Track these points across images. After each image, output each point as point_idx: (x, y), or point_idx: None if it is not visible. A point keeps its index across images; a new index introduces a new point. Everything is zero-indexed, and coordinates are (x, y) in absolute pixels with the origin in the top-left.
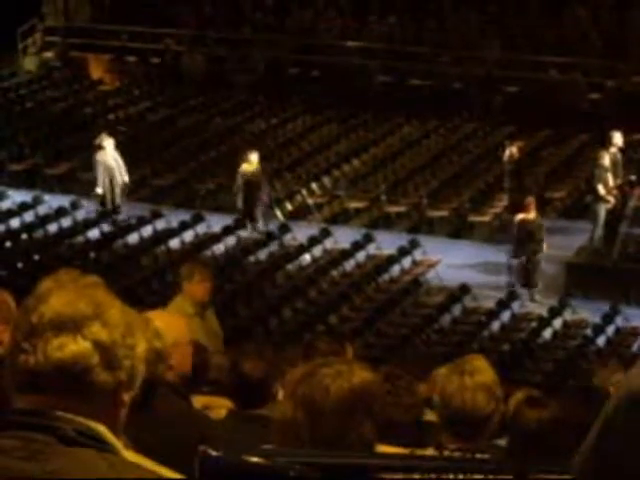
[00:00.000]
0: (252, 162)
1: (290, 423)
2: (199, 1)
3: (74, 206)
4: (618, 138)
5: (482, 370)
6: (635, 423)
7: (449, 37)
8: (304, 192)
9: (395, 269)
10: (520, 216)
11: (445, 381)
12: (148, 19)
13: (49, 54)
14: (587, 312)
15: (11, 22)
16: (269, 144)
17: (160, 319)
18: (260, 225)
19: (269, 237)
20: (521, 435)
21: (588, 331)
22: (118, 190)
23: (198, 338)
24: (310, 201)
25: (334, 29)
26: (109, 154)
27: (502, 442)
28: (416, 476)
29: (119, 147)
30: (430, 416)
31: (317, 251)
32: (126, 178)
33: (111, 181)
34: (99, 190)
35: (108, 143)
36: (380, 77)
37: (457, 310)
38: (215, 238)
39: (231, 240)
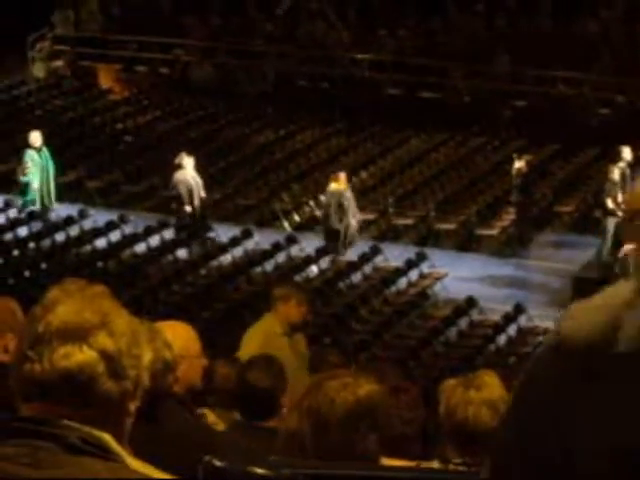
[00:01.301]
0: (341, 181)
1: (295, 434)
2: (209, 12)
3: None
4: (627, 153)
5: (490, 385)
6: (557, 372)
7: (458, 50)
8: (312, 204)
9: (402, 281)
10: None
11: (450, 393)
12: (157, 29)
13: (58, 63)
14: None
15: (22, 30)
16: (277, 155)
17: (170, 330)
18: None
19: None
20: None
21: None
22: (198, 208)
23: (283, 356)
24: (318, 213)
25: (344, 41)
26: (188, 173)
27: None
28: None
29: (125, 156)
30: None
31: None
32: (203, 194)
33: (191, 200)
34: (188, 208)
35: (188, 162)
36: (389, 90)
37: (464, 323)
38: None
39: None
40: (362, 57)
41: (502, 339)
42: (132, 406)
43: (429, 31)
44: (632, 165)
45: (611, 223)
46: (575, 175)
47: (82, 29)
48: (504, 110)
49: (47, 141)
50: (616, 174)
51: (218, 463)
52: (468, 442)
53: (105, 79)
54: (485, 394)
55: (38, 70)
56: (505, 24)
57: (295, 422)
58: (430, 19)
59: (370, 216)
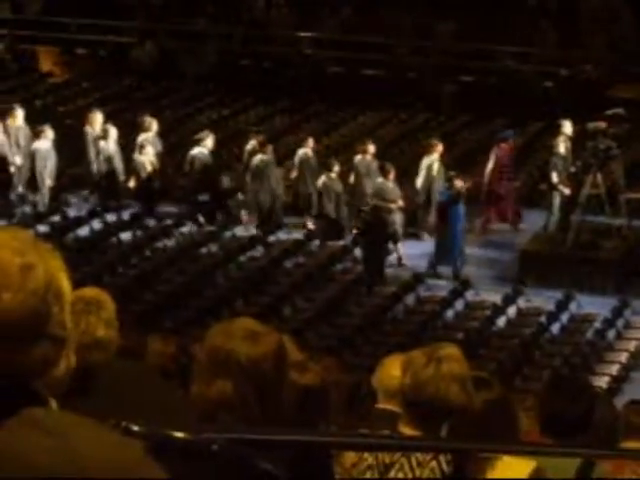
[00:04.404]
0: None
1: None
2: None
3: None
4: (568, 127)
5: (458, 360)
6: None
7: (402, 26)
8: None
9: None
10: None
11: (419, 367)
12: (98, 11)
13: None
14: (541, 300)
15: None
16: (220, 135)
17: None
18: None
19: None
20: (466, 416)
21: (542, 319)
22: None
23: None
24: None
25: (286, 20)
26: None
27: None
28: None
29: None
30: (385, 404)
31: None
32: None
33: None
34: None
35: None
36: (332, 68)
37: (410, 299)
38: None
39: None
40: (304, 35)
41: (449, 314)
42: None
43: (372, 7)
44: (573, 139)
45: (556, 196)
46: (521, 149)
47: (22, 11)
48: (446, 85)
49: None
50: (562, 148)
51: (135, 428)
52: (432, 417)
53: (45, 62)
54: (455, 369)
55: None
56: None
57: (230, 386)
58: None
59: None
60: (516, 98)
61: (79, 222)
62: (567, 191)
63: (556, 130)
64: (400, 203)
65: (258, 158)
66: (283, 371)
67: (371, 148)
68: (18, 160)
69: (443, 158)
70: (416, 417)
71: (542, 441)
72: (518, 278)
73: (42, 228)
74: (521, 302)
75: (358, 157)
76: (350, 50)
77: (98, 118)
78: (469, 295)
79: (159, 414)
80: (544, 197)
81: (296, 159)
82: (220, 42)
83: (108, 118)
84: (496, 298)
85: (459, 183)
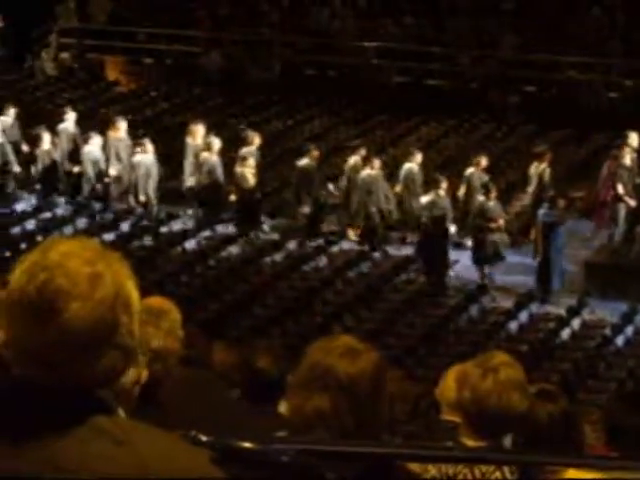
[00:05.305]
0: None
1: (326, 413)
2: (216, 2)
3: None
4: (634, 138)
5: (511, 365)
6: None
7: (466, 37)
8: (323, 193)
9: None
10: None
11: (477, 379)
12: (164, 20)
13: (65, 55)
14: (606, 312)
15: (27, 24)
16: (286, 145)
17: None
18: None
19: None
20: (531, 428)
21: (607, 331)
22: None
23: None
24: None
25: (350, 29)
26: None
27: (507, 441)
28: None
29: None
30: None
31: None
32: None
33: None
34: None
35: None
36: (397, 78)
37: (475, 310)
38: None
39: None
40: (369, 45)
41: (514, 326)
42: None
43: (435, 17)
44: (639, 150)
45: (622, 208)
46: (586, 161)
47: (89, 21)
48: (511, 96)
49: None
50: (628, 159)
51: (204, 437)
52: (495, 427)
53: (112, 71)
54: (512, 376)
55: (48, 68)
56: (512, 8)
57: (327, 401)
58: (436, 5)
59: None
60: (580, 109)
61: (185, 236)
62: (633, 203)
63: (622, 141)
64: (501, 222)
65: (365, 173)
66: (381, 389)
67: (483, 161)
68: (113, 172)
69: (553, 166)
70: (479, 429)
71: (608, 454)
72: (584, 290)
73: (147, 241)
74: (586, 314)
75: (470, 170)
76: (414, 60)
77: (200, 130)
78: (534, 307)
79: (222, 423)
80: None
81: (402, 173)
82: (285, 51)
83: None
84: (561, 310)
85: (562, 202)
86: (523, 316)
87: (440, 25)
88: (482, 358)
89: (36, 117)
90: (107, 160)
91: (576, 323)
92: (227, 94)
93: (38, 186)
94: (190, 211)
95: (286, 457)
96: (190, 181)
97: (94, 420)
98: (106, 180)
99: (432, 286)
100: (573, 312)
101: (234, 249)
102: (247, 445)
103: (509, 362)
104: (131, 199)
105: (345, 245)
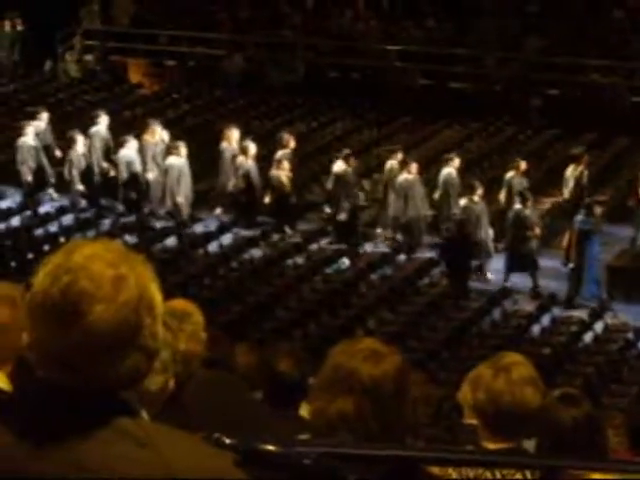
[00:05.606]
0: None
1: (350, 416)
2: (238, 4)
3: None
4: None
5: (523, 363)
6: None
7: (489, 39)
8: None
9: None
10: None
11: (490, 380)
12: (186, 23)
13: (88, 57)
14: (629, 316)
15: (50, 26)
16: (308, 147)
17: None
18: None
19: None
20: (554, 432)
21: (629, 335)
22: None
23: None
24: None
25: (373, 32)
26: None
27: (529, 445)
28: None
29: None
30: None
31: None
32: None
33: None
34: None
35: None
36: (420, 80)
37: (497, 314)
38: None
39: None
40: (392, 48)
41: (536, 329)
42: None
43: (459, 19)
44: None
45: None
46: (608, 164)
47: (113, 23)
48: (534, 99)
49: None
50: None
51: (227, 440)
52: (512, 424)
53: (135, 74)
54: (524, 373)
55: (72, 70)
56: (536, 11)
57: (350, 404)
58: (459, 7)
59: None
60: (603, 113)
61: (208, 238)
62: None
63: None
64: (537, 231)
65: (403, 177)
66: (404, 391)
67: (523, 165)
68: (151, 175)
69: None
70: (496, 429)
71: (631, 459)
72: (606, 294)
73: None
74: (608, 318)
75: (510, 174)
76: (437, 63)
77: (235, 134)
78: (556, 310)
79: (245, 426)
80: (632, 213)
81: (440, 178)
82: (307, 54)
83: (201, 128)
84: (583, 314)
85: (598, 209)
86: (546, 319)
87: (464, 27)
88: (494, 359)
89: (62, 120)
90: (144, 164)
91: (599, 327)
92: (249, 96)
93: (78, 187)
94: (218, 211)
95: (309, 460)
96: (229, 185)
97: (117, 422)
98: (142, 183)
99: (455, 289)
100: (596, 316)
101: (256, 251)
102: (270, 448)
103: (520, 361)
104: (168, 202)
105: (368, 247)
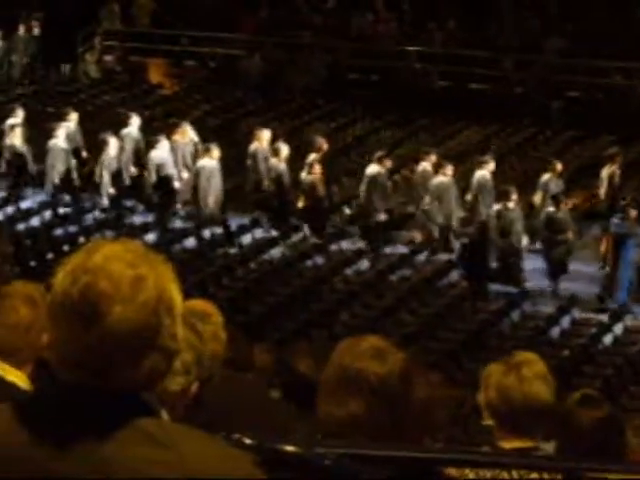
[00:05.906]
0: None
1: (360, 418)
2: (258, 5)
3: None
4: None
5: (535, 361)
6: None
7: (509, 41)
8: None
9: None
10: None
11: (501, 376)
12: (206, 23)
13: (109, 58)
14: None
15: (72, 26)
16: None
17: None
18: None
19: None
20: (574, 434)
21: None
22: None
23: None
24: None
25: (393, 34)
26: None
27: (549, 447)
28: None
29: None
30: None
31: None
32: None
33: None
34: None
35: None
36: (440, 82)
37: (516, 315)
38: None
39: None
40: (412, 49)
41: (555, 331)
42: None
43: (478, 21)
44: None
45: None
46: (631, 166)
47: (133, 24)
48: (554, 101)
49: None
50: None
51: (247, 440)
52: (525, 421)
53: (155, 74)
54: (535, 369)
55: (92, 71)
56: (557, 12)
57: (362, 406)
58: (479, 8)
59: None
60: (624, 115)
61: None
62: None
63: None
64: (570, 235)
65: (438, 180)
66: (409, 389)
67: (559, 166)
68: (184, 176)
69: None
70: (510, 427)
71: None
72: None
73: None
74: (628, 320)
75: (547, 176)
76: (457, 64)
77: (266, 135)
78: (575, 312)
79: (265, 426)
80: None
81: (474, 181)
82: (327, 55)
83: (219, 129)
84: (604, 316)
85: (633, 212)
86: (565, 321)
87: (483, 29)
88: (506, 358)
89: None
90: (175, 165)
91: (618, 328)
92: (268, 97)
93: (109, 190)
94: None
95: (328, 460)
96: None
97: (138, 423)
98: (175, 185)
99: (474, 291)
100: (616, 317)
101: (275, 252)
102: (290, 448)
103: (531, 358)
104: (200, 203)
105: (387, 249)
